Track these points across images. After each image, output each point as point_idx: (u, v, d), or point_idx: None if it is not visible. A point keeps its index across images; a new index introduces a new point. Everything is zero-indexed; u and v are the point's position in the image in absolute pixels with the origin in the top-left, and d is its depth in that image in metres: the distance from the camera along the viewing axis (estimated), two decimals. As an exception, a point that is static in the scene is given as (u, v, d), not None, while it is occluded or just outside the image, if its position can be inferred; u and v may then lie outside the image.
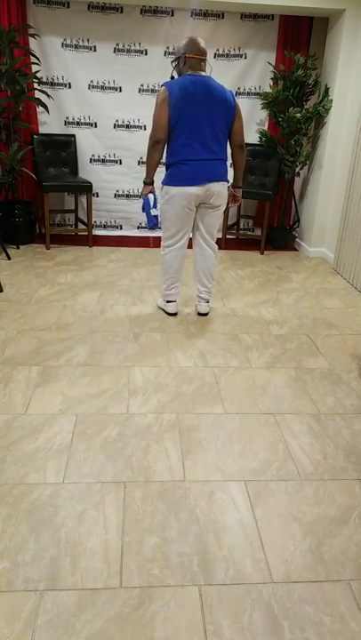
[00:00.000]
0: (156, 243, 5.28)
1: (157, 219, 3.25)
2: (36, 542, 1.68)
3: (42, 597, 1.50)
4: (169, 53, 4.91)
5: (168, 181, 3.15)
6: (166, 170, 3.18)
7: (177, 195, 3.12)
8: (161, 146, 3.09)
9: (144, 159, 5.26)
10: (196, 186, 3.10)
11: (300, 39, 4.90)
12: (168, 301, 3.52)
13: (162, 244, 3.39)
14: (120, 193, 5.38)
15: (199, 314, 3.57)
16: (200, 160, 3.08)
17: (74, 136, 5.04)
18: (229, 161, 3.31)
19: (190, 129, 3.03)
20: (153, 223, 3.25)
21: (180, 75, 3.13)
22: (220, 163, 3.15)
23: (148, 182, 3.21)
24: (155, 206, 3.23)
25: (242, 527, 1.79)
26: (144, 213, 3.35)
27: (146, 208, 3.23)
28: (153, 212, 3.22)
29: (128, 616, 1.46)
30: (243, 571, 1.62)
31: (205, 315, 3.57)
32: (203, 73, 3.06)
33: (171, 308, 3.53)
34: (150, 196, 3.22)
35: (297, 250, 5.35)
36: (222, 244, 5.20)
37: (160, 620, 1.46)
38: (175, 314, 3.55)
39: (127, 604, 1.49)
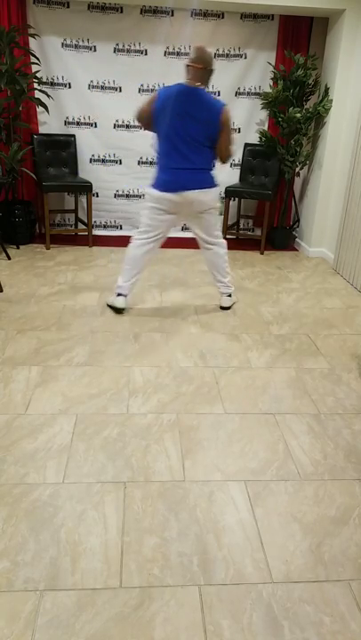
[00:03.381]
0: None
1: None
2: (36, 542, 1.68)
3: (42, 597, 1.50)
4: (169, 53, 4.91)
5: (151, 184, 3.27)
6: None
7: (153, 197, 3.22)
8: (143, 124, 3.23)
9: (144, 159, 5.28)
10: (171, 193, 3.17)
11: (300, 39, 4.89)
12: (119, 294, 3.44)
13: (133, 237, 3.41)
14: (120, 193, 5.38)
15: (221, 307, 3.68)
16: (176, 169, 3.14)
17: (74, 136, 5.04)
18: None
19: (168, 137, 3.11)
20: None
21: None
22: (199, 172, 3.17)
23: None
24: None
25: (242, 527, 1.79)
26: None
27: None
28: None
29: (128, 616, 1.46)
30: (243, 571, 1.62)
31: (228, 308, 3.67)
32: (197, 84, 3.08)
33: (119, 302, 3.45)
34: None
35: (297, 250, 5.35)
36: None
37: (160, 619, 1.46)
38: (122, 310, 3.50)
39: (127, 604, 1.49)
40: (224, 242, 3.52)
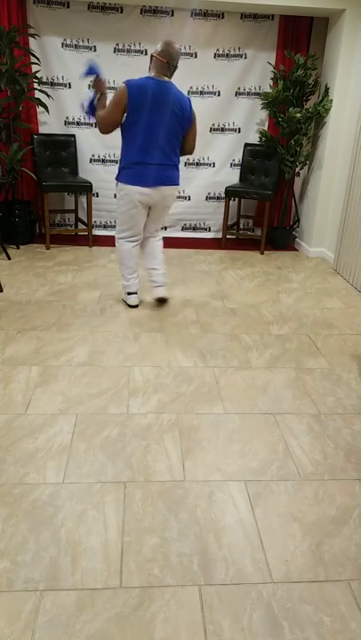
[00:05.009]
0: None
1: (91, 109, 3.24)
2: (36, 542, 1.68)
3: (42, 597, 1.50)
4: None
5: (122, 179, 3.25)
6: (120, 168, 3.26)
7: (130, 192, 3.24)
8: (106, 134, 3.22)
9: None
10: (148, 187, 3.22)
11: (300, 39, 4.89)
12: (129, 293, 3.60)
13: (117, 236, 3.53)
14: (120, 193, 5.37)
15: (160, 300, 3.65)
16: (155, 164, 3.19)
17: (74, 136, 5.04)
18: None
19: (147, 133, 3.13)
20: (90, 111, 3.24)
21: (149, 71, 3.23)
22: (174, 168, 3.28)
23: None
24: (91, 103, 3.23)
25: (242, 527, 1.79)
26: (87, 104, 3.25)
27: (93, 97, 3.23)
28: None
29: (128, 616, 1.46)
30: (243, 571, 1.62)
31: (166, 300, 3.67)
32: (165, 78, 3.15)
33: (132, 300, 3.61)
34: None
35: (297, 250, 5.35)
36: (222, 244, 5.20)
37: (160, 619, 1.46)
38: (136, 306, 3.63)
39: (127, 604, 1.49)
40: (160, 234, 3.65)
